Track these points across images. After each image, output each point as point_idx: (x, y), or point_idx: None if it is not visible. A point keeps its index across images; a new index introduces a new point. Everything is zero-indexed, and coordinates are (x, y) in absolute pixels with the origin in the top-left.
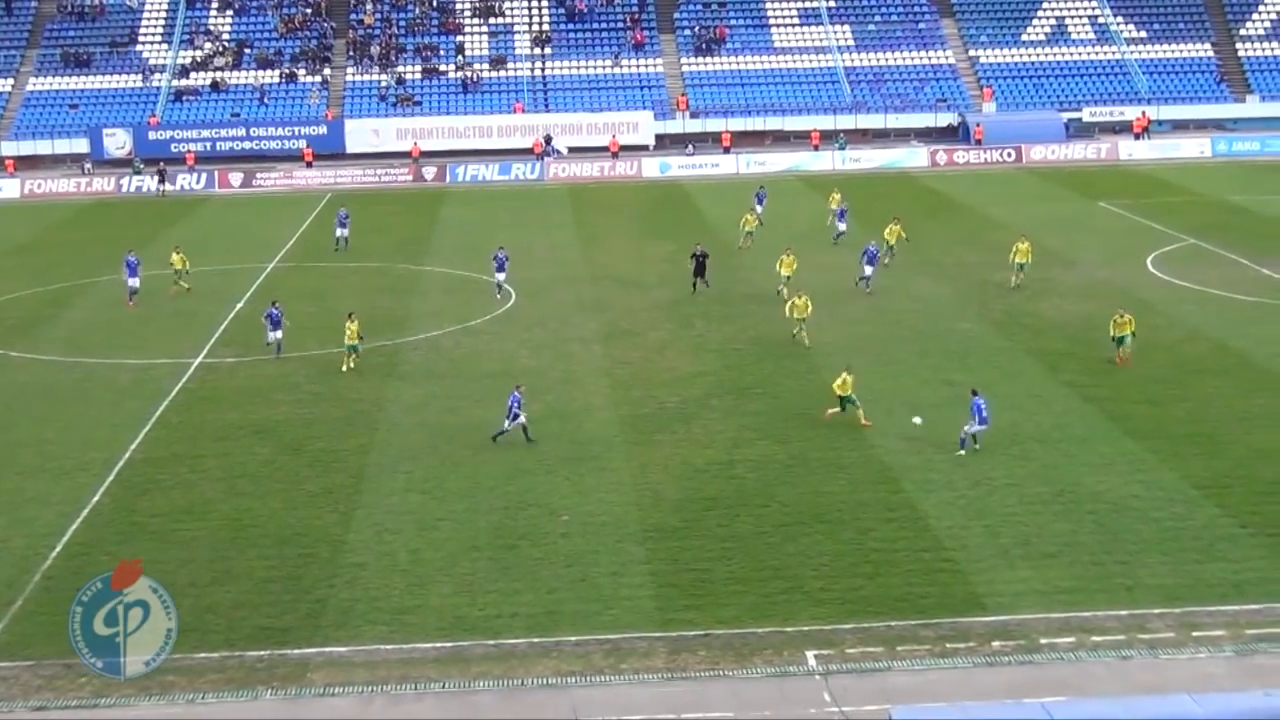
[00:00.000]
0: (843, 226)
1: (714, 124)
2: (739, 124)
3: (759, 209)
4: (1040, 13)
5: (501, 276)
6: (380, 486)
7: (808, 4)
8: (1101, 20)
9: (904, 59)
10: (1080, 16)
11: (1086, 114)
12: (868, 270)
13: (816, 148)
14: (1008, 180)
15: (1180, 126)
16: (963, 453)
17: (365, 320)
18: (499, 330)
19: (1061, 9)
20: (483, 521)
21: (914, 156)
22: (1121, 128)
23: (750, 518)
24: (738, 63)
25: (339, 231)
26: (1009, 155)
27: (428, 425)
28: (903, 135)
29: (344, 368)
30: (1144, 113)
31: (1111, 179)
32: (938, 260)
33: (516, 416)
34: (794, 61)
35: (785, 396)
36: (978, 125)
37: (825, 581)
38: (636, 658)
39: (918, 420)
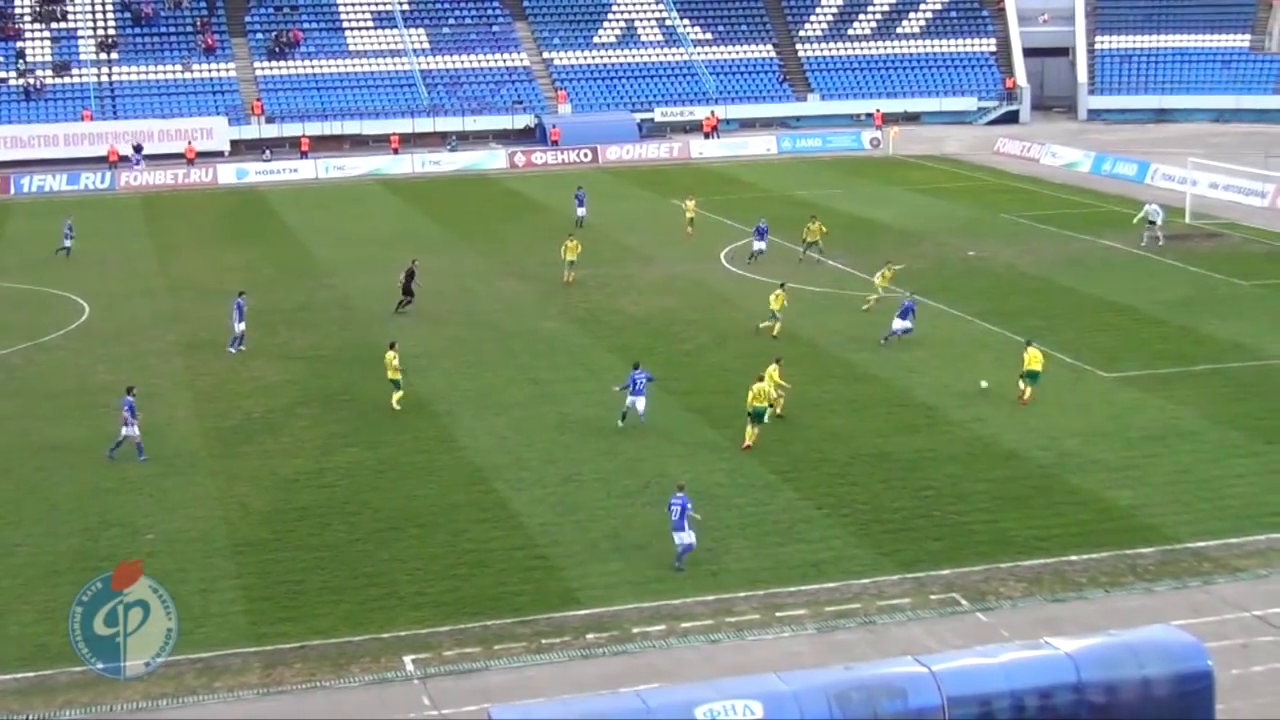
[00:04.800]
0: (761, 245)
1: (291, 128)
2: (316, 128)
3: (580, 212)
4: (610, 16)
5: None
6: None
7: (381, 7)
8: (669, 23)
9: (479, 62)
10: (649, 19)
11: (658, 114)
12: (897, 325)
13: (396, 151)
14: (585, 180)
15: (747, 125)
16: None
17: None
18: (73, 346)
19: (631, 12)
20: (63, 545)
21: (493, 158)
22: (692, 127)
23: (342, 525)
24: (312, 66)
25: None
26: (586, 155)
27: None
28: (481, 137)
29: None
30: (713, 112)
31: (684, 177)
32: (521, 260)
33: None
34: (370, 64)
35: (373, 401)
36: (554, 126)
37: (420, 585)
38: (230, 675)
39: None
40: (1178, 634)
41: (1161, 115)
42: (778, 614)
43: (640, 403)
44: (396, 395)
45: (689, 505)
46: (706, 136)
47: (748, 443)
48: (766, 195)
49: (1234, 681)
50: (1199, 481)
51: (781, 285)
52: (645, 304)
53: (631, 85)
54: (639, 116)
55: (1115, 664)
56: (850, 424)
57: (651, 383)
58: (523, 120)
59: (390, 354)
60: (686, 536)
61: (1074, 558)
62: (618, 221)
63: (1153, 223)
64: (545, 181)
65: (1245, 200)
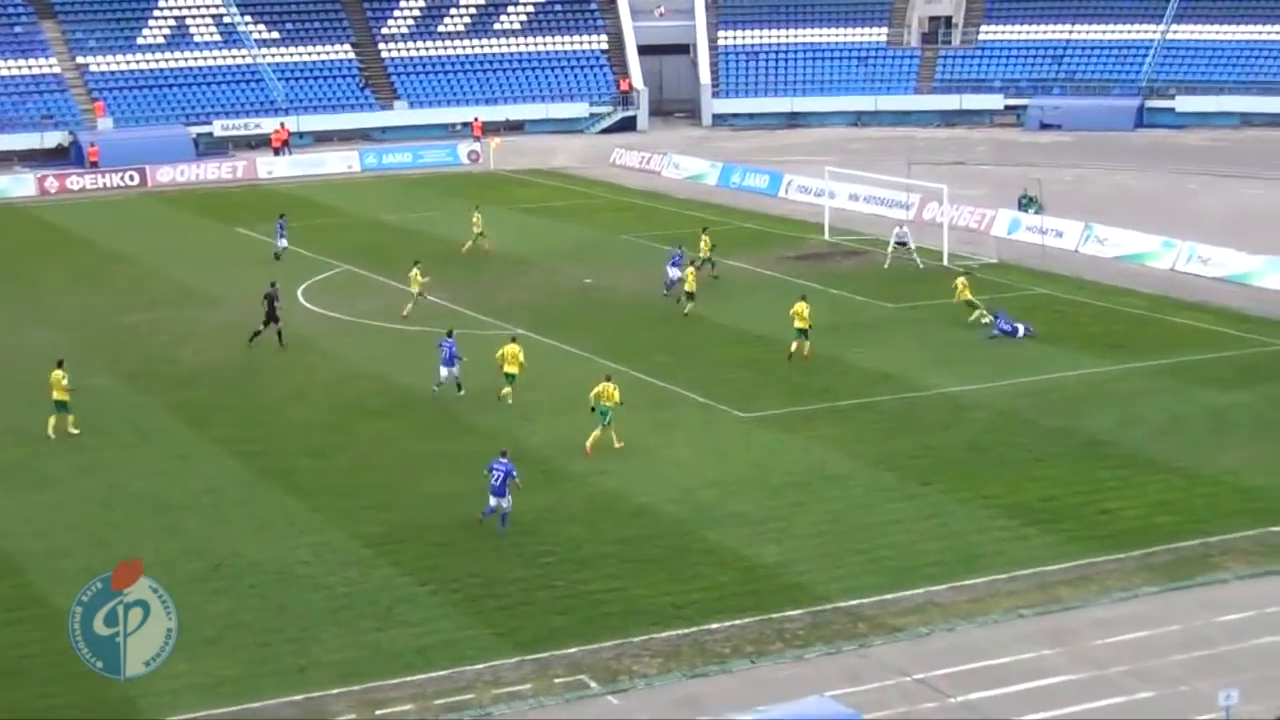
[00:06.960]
0: (677, 274)
1: None
2: None
3: (282, 243)
4: (156, 13)
5: None
6: None
7: None
8: (228, 20)
9: None
10: (203, 17)
11: (218, 127)
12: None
13: None
14: (132, 207)
15: (324, 139)
16: None
17: None
18: None
19: (181, 8)
20: None
21: (20, 184)
22: (259, 142)
23: None
24: None
25: None
26: (132, 178)
27: None
28: (4, 160)
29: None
30: (283, 124)
31: (251, 201)
32: (55, 305)
33: None
34: None
35: None
36: (92, 145)
37: None
38: None
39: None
40: (833, 706)
41: (794, 119)
42: (378, 711)
43: (445, 371)
44: (69, 419)
45: (514, 471)
46: (276, 153)
47: (588, 446)
48: (350, 221)
49: None
50: (850, 531)
51: (803, 297)
52: (211, 353)
53: (184, 94)
54: (194, 131)
55: None
56: (454, 484)
57: (461, 361)
58: (54, 138)
59: (58, 372)
60: (505, 503)
61: (715, 625)
62: (175, 256)
63: (903, 244)
64: (84, 211)
65: (889, 212)
